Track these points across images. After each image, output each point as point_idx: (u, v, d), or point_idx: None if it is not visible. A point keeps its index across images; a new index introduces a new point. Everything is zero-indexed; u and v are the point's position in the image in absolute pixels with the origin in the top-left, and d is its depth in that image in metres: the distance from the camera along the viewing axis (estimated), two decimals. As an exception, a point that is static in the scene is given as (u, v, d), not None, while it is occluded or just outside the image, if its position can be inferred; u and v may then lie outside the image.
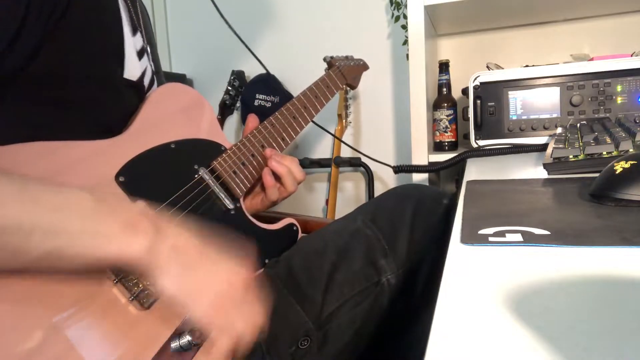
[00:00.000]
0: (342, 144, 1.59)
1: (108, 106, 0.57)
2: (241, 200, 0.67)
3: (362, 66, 1.03)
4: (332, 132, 1.60)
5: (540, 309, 0.24)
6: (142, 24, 0.67)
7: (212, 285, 0.46)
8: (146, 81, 0.65)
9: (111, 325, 0.45)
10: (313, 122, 0.84)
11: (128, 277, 0.47)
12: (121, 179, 0.53)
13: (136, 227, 0.41)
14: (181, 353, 0.49)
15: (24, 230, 0.36)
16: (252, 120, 0.74)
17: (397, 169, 0.94)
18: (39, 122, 0.50)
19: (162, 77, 0.75)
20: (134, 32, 0.63)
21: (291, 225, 0.73)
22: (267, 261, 0.68)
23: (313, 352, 0.58)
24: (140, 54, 0.63)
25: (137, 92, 0.63)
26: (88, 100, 0.55)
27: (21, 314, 0.40)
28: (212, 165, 0.65)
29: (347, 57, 0.99)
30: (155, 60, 0.73)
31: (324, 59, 0.95)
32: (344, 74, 0.93)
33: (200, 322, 0.46)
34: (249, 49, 0.88)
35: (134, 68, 0.61)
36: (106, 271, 0.46)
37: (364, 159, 1.58)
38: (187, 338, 0.49)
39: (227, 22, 0.87)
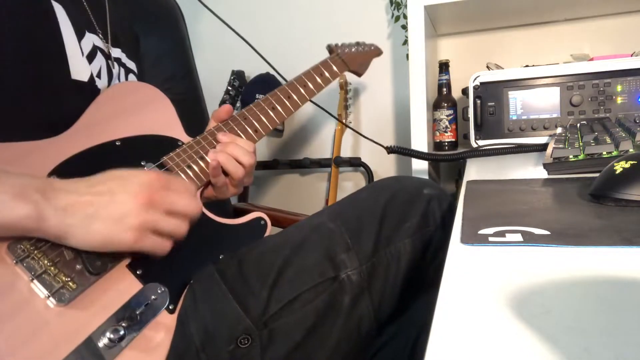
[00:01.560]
0: (343, 140, 1.59)
1: (50, 106, 0.57)
2: (197, 194, 0.64)
3: (373, 51, 0.97)
4: (332, 132, 1.60)
5: (540, 309, 0.23)
6: (107, 29, 0.66)
7: (124, 211, 0.48)
8: (101, 83, 0.63)
9: (23, 323, 0.43)
10: (319, 106, 0.80)
11: (46, 273, 0.46)
12: (53, 177, 0.52)
13: (21, 195, 0.43)
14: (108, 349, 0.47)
15: None
16: (224, 111, 0.70)
17: (390, 150, 0.89)
18: None
19: (173, 83, 0.74)
20: (81, 33, 0.62)
21: (258, 219, 0.67)
22: (221, 257, 0.63)
23: (256, 351, 0.54)
24: (91, 56, 0.62)
25: (91, 94, 0.61)
26: (27, 100, 0.54)
27: None
28: (162, 159, 0.61)
29: (357, 43, 0.93)
30: (140, 59, 0.71)
31: (327, 46, 0.89)
32: (345, 60, 0.86)
33: (134, 252, 0.49)
34: (254, 48, 0.87)
35: (80, 68, 0.60)
36: (22, 268, 0.45)
37: (363, 158, 1.58)
38: (111, 335, 0.47)
39: (228, 25, 0.86)
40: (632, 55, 1.00)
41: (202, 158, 0.64)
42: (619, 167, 0.43)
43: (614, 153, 0.59)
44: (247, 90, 1.64)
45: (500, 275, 0.28)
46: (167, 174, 0.53)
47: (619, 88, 0.93)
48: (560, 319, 0.22)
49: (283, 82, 0.79)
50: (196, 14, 1.77)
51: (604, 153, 0.59)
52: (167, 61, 0.72)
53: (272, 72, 1.64)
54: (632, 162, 0.42)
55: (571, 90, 0.96)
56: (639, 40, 1.26)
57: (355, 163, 1.58)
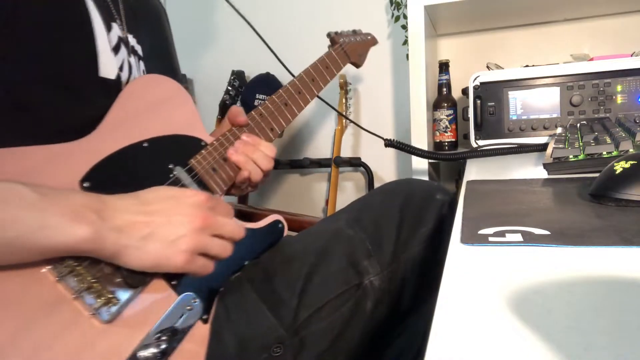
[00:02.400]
0: (343, 140, 1.59)
1: (75, 108, 0.54)
2: (221, 199, 0.63)
3: (370, 41, 0.96)
4: (332, 132, 1.60)
5: (540, 309, 0.24)
6: (121, 13, 0.63)
7: (179, 233, 0.47)
8: (124, 77, 0.62)
9: (72, 342, 0.43)
10: (319, 97, 0.78)
11: (89, 290, 0.45)
12: (86, 184, 0.50)
13: (79, 217, 0.42)
14: None
15: None
16: (238, 111, 0.69)
17: (388, 143, 0.88)
18: None
19: (169, 70, 0.72)
20: (109, 26, 0.59)
21: (276, 222, 0.67)
22: (246, 263, 0.63)
23: (288, 358, 0.56)
24: (116, 49, 0.60)
25: (116, 92, 0.59)
26: (50, 102, 0.52)
27: None
28: (190, 164, 0.60)
29: (355, 32, 0.92)
30: (142, 44, 0.69)
31: (328, 35, 0.88)
32: (347, 52, 0.86)
33: (183, 272, 0.49)
34: (274, 53, 0.86)
35: (109, 65, 0.58)
36: (65, 285, 0.44)
37: (363, 159, 1.58)
38: (153, 350, 0.47)
39: (251, 25, 0.84)
40: (632, 55, 1.00)
41: (225, 160, 0.64)
42: (619, 167, 0.43)
43: (614, 153, 0.59)
44: (247, 90, 1.64)
45: (500, 275, 0.28)
46: (213, 196, 0.53)
47: (619, 88, 0.93)
48: (560, 319, 0.22)
49: (283, 82, 0.78)
50: (197, 14, 1.77)
51: (604, 153, 0.59)
52: (153, 59, 0.70)
53: (278, 71, 1.64)
54: (632, 162, 0.42)
55: (571, 90, 0.96)
56: (639, 40, 1.26)
57: (355, 163, 1.58)
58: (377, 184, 1.61)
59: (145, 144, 0.57)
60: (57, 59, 0.53)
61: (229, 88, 1.63)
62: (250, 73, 1.68)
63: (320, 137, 1.68)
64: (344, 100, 1.54)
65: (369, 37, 0.96)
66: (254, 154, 0.65)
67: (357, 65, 0.93)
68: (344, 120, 1.54)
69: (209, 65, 1.78)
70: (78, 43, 0.55)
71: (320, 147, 1.68)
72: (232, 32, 1.72)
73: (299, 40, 1.64)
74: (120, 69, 0.61)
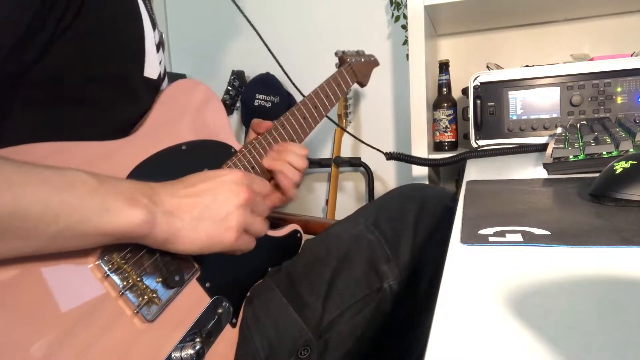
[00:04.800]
0: (343, 140, 1.59)
1: (124, 106, 0.55)
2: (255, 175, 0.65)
3: (373, 62, 1.00)
4: (333, 132, 1.60)
5: (540, 309, 0.23)
6: (153, 7, 0.65)
7: (227, 210, 0.48)
8: (163, 75, 0.63)
9: (114, 342, 0.43)
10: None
11: (133, 288, 0.46)
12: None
13: (134, 201, 0.42)
14: None
15: (36, 211, 0.36)
16: (259, 119, 0.72)
17: (390, 156, 0.89)
18: (50, 122, 0.49)
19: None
20: (154, 26, 0.60)
21: (295, 232, 0.72)
22: (269, 269, 0.67)
23: None
24: (158, 47, 0.62)
25: (155, 92, 0.61)
26: (102, 100, 0.53)
27: (20, 335, 0.38)
28: (223, 169, 0.62)
29: (358, 53, 0.95)
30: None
31: (336, 54, 0.91)
32: (355, 71, 0.89)
33: (233, 253, 0.51)
34: (273, 54, 0.87)
35: (153, 64, 0.59)
36: (111, 282, 0.45)
37: (363, 158, 1.58)
38: (189, 351, 0.48)
39: (252, 25, 0.85)
40: (632, 55, 1.00)
41: (253, 168, 0.66)
42: (619, 167, 0.43)
43: (614, 153, 0.59)
44: (247, 90, 1.64)
45: (500, 275, 0.28)
46: (248, 173, 0.55)
47: (619, 88, 0.93)
48: (560, 319, 0.22)
49: (289, 83, 0.79)
50: (197, 14, 1.77)
51: (604, 153, 0.59)
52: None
53: (278, 72, 1.64)
54: (632, 162, 0.42)
55: (571, 90, 0.96)
56: (639, 40, 1.26)
57: (355, 163, 1.58)
58: (377, 184, 1.61)
59: (183, 147, 0.59)
60: (111, 57, 0.53)
61: (229, 88, 1.63)
62: (250, 73, 1.68)
63: (320, 137, 1.68)
64: (344, 101, 1.54)
65: (372, 59, 0.99)
66: (288, 157, 0.68)
67: (362, 84, 0.96)
68: (344, 121, 1.54)
69: (209, 65, 1.78)
70: (129, 42, 0.55)
71: (320, 147, 1.68)
72: (232, 32, 1.72)
73: (298, 40, 1.64)
74: (161, 68, 0.62)
